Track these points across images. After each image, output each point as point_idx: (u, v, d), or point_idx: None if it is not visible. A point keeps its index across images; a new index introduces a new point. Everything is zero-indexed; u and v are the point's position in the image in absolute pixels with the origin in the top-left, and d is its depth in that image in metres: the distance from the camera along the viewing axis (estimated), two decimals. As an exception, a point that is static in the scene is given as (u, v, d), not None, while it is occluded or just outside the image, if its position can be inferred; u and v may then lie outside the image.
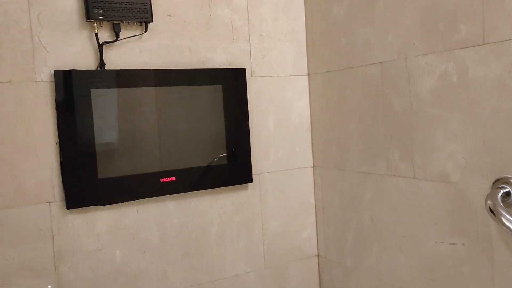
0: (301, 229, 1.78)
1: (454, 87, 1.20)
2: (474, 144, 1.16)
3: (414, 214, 1.35)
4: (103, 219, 1.41)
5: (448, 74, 1.21)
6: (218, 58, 1.59)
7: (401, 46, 1.34)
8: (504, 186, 1.07)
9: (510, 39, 1.05)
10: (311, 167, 1.79)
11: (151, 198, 1.48)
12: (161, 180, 1.47)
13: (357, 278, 1.61)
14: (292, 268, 1.77)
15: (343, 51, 1.58)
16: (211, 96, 1.57)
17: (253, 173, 1.66)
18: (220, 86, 1.58)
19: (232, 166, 1.61)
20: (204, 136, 1.56)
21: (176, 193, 1.51)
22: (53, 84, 1.31)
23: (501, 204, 1.02)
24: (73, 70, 1.33)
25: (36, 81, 1.30)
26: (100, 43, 1.37)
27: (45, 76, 1.31)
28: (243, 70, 1.62)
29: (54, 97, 1.32)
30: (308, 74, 1.77)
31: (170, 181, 1.49)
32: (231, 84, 1.60)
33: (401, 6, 1.33)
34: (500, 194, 1.05)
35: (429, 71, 1.26)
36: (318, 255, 1.82)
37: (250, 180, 1.65)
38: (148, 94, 1.46)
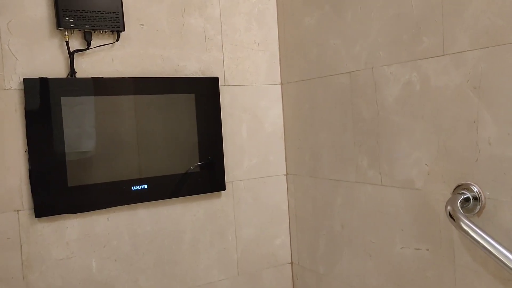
0: (274, 236, 1.79)
1: (417, 96, 1.23)
2: (436, 152, 1.19)
3: (382, 220, 1.38)
4: (73, 227, 1.41)
5: (411, 84, 1.25)
6: (191, 66, 1.61)
7: (368, 56, 1.38)
8: (464, 192, 1.11)
9: (468, 50, 1.09)
10: (284, 175, 1.81)
11: (122, 206, 1.47)
12: (132, 188, 1.48)
13: (329, 284, 1.63)
14: (266, 275, 1.78)
15: (314, 61, 1.61)
16: (184, 105, 1.58)
17: (226, 181, 1.67)
18: (193, 95, 1.59)
19: (205, 174, 1.62)
20: (177, 144, 1.57)
21: (148, 201, 1.51)
22: (23, 92, 1.31)
23: (461, 209, 1.05)
24: (42, 78, 1.33)
25: (5, 89, 1.30)
26: (71, 51, 1.37)
27: (14, 84, 1.31)
28: (216, 79, 1.64)
29: (24, 105, 1.31)
30: (281, 83, 1.80)
31: (142, 189, 1.49)
32: (204, 92, 1.61)
33: (368, 18, 1.37)
34: (459, 200, 1.08)
35: (394, 81, 1.30)
36: (291, 262, 1.83)
37: (223, 188, 1.66)
38: (120, 102, 1.47)
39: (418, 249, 1.27)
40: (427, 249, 1.24)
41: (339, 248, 1.57)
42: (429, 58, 1.19)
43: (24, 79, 1.30)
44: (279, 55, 1.79)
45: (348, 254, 1.53)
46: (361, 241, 1.47)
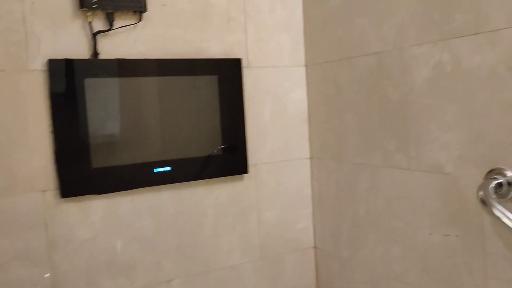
0: (297, 221, 1.78)
1: (449, 77, 1.18)
2: (468, 135, 1.14)
3: (409, 205, 1.35)
4: (98, 208, 1.42)
5: (442, 64, 1.19)
6: (214, 48, 1.58)
7: (396, 36, 1.33)
8: (497, 177, 1.06)
9: (504, 28, 1.04)
10: (308, 158, 1.79)
11: (145, 188, 1.48)
12: (156, 170, 1.47)
13: (352, 269, 1.61)
14: (288, 259, 1.77)
15: (340, 41, 1.57)
16: (207, 87, 1.56)
17: (249, 164, 1.66)
18: (216, 77, 1.57)
19: (227, 157, 1.61)
20: (200, 126, 1.56)
21: (171, 183, 1.51)
22: (47, 73, 1.31)
23: (493, 195, 1.01)
24: (67, 59, 1.33)
25: (30, 70, 1.30)
26: (94, 32, 1.37)
27: (39, 65, 1.31)
28: (238, 61, 1.61)
29: (48, 86, 1.32)
30: (306, 65, 1.76)
31: (165, 171, 1.49)
32: (227, 74, 1.59)
33: (397, -5, 1.31)
34: (492, 185, 1.04)
35: (424, 61, 1.25)
36: (314, 247, 1.82)
37: (246, 171, 1.65)
38: (144, 83, 1.46)
39: (447, 235, 1.23)
40: (456, 236, 1.20)
41: (363, 233, 1.54)
42: (461, 37, 1.14)
43: (48, 60, 1.30)
44: (304, 36, 1.75)
45: (372, 240, 1.50)
46: (387, 226, 1.44)
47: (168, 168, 1.49)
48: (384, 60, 1.38)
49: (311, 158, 1.79)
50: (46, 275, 1.35)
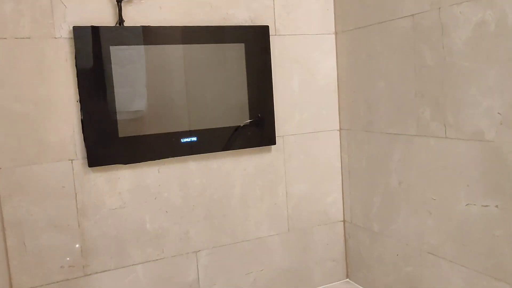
0: (326, 194, 1.74)
1: (492, 37, 1.10)
2: (511, 99, 1.07)
3: (445, 175, 1.28)
4: (125, 178, 1.41)
5: (485, 23, 1.11)
6: (241, 15, 1.53)
7: (434, -5, 1.25)
8: (544, 142, 0.99)
9: (556, -21, 0.95)
10: (337, 130, 1.73)
11: (172, 158, 1.46)
12: (182, 140, 1.45)
13: (384, 243, 1.57)
14: (317, 232, 1.73)
15: (372, 5, 1.49)
16: (233, 55, 1.52)
17: (276, 135, 1.62)
18: (243, 45, 1.53)
19: (255, 128, 1.57)
20: (226, 96, 1.52)
21: (197, 154, 1.49)
22: (72, 40, 1.30)
23: (540, 160, 0.95)
24: (92, 26, 1.31)
25: (55, 38, 1.29)
26: (119, -2, 1.34)
27: (64, 32, 1.30)
28: (266, 28, 1.56)
29: (74, 54, 1.30)
30: (335, 33, 1.69)
31: (192, 141, 1.47)
32: (254, 42, 1.54)
33: (436, -48, 1.23)
34: (539, 150, 0.97)
35: (464, 21, 1.17)
36: (344, 220, 1.78)
37: (274, 142, 1.61)
38: (169, 51, 1.43)
39: (486, 205, 1.17)
40: (496, 206, 1.14)
41: (395, 205, 1.49)
42: (507, -8, 1.05)
43: (73, 27, 1.29)
44: (334, 2, 1.68)
45: (405, 212, 1.45)
46: (421, 198, 1.38)
47: (194, 138, 1.47)
48: (420, 22, 1.30)
49: (340, 129, 1.74)
50: (76, 246, 1.36)
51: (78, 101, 1.32)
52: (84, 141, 1.33)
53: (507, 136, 1.09)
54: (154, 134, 1.42)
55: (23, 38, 1.26)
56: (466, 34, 1.17)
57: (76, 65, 1.30)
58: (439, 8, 1.23)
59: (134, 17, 1.38)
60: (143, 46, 1.38)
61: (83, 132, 1.33)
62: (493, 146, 1.13)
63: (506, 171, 1.10)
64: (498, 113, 1.10)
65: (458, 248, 1.26)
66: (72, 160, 1.34)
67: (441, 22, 1.23)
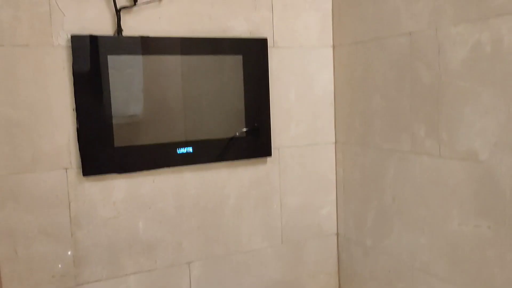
0: (320, 206, 1.74)
1: (487, 59, 1.11)
2: (505, 120, 1.08)
3: (438, 194, 1.29)
4: (120, 188, 1.41)
5: (481, 45, 1.12)
6: (239, 27, 1.54)
7: (431, 14, 1.26)
8: (537, 165, 1.00)
9: (552, 5, 0.96)
10: (333, 142, 1.74)
11: (168, 168, 1.46)
12: (178, 151, 1.45)
13: (376, 257, 1.57)
14: (310, 245, 1.73)
15: (370, 20, 1.50)
16: (231, 67, 1.52)
17: (272, 147, 1.62)
18: (241, 57, 1.53)
19: (251, 139, 1.57)
20: (223, 107, 1.52)
21: (193, 164, 1.49)
22: (70, 49, 1.30)
23: (532, 184, 0.95)
24: (91, 35, 1.31)
25: (53, 46, 1.29)
26: (118, 8, 1.34)
27: (62, 40, 1.30)
28: (264, 40, 1.56)
29: (71, 63, 1.30)
30: (333, 46, 1.70)
31: (187, 152, 1.47)
32: (252, 54, 1.55)
33: (434, -29, 1.24)
34: (531, 174, 0.97)
35: (461, 42, 1.18)
36: (337, 233, 1.78)
37: (269, 154, 1.61)
38: (167, 62, 1.43)
39: (478, 226, 1.17)
40: (488, 227, 1.14)
41: (389, 221, 1.49)
42: (503, 15, 1.06)
43: (71, 36, 1.29)
44: (332, 15, 1.69)
45: (398, 228, 1.45)
46: (414, 214, 1.38)
47: (190, 149, 1.47)
48: (417, 41, 1.31)
49: (336, 142, 1.74)
50: (68, 253, 1.36)
51: (74, 110, 1.32)
52: (79, 150, 1.33)
53: (500, 157, 1.10)
54: (150, 144, 1.42)
55: (21, 45, 1.25)
56: (462, 54, 1.18)
57: (73, 74, 1.30)
58: (436, 28, 1.24)
59: (132, 27, 1.38)
60: (141, 56, 1.38)
61: (78, 141, 1.33)
62: (486, 167, 1.14)
63: (498, 192, 1.11)
64: (492, 134, 1.11)
65: (449, 266, 1.27)
66: (66, 168, 1.34)
67: (438, 42, 1.24)
